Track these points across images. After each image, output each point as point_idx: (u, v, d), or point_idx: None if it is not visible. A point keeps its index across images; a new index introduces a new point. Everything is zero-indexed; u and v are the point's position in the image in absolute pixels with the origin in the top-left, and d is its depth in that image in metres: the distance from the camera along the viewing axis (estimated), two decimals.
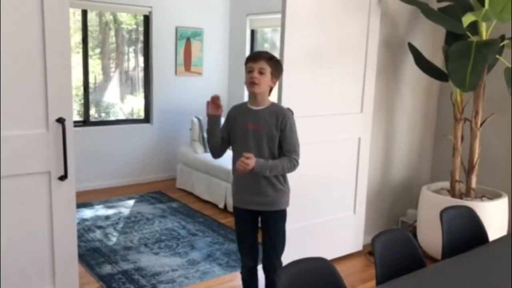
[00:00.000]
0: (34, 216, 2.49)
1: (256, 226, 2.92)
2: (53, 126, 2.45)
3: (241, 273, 3.00)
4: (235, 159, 2.75)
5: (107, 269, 3.85)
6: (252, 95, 2.73)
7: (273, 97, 2.84)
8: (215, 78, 6.63)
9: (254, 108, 2.74)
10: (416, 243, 2.20)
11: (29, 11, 2.30)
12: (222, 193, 5.37)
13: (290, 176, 2.85)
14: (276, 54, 2.87)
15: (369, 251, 4.16)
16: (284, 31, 3.27)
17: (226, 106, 6.78)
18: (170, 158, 6.43)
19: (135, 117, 6.40)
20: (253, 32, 6.37)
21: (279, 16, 5.83)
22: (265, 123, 2.70)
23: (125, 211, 5.23)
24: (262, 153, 2.69)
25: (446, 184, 4.13)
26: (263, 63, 2.65)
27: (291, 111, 2.89)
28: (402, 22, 4.16)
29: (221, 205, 5.38)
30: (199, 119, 5.93)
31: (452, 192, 3.91)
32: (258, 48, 6.46)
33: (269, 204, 2.79)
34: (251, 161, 2.58)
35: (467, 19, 3.21)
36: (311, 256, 1.81)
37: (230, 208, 5.27)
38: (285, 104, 3.36)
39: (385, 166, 4.37)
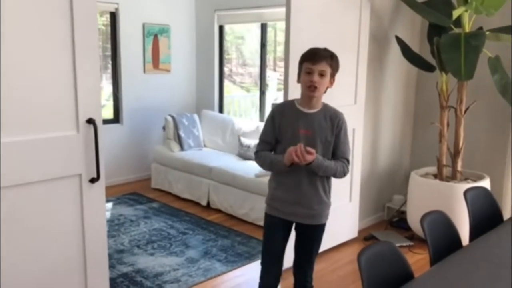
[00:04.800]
0: (65, 220, 2.39)
1: (288, 237, 2.68)
2: (83, 127, 2.36)
3: None
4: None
5: None
6: (307, 98, 2.49)
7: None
8: (184, 75, 6.56)
9: (307, 111, 2.49)
10: (454, 225, 2.33)
11: (58, 14, 2.23)
12: (204, 190, 5.34)
13: None
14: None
15: (364, 237, 4.33)
16: (290, 27, 3.31)
17: (194, 103, 6.76)
18: (142, 158, 6.30)
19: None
20: (221, 28, 6.34)
21: (247, 11, 5.98)
22: (319, 128, 2.46)
23: (106, 214, 5.05)
24: None
25: (430, 169, 4.37)
26: (324, 64, 2.41)
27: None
28: (386, 16, 4.34)
29: (203, 203, 5.35)
30: (173, 117, 5.85)
31: (439, 176, 4.14)
32: (227, 44, 6.45)
33: (313, 218, 2.56)
34: (311, 157, 2.33)
35: (458, 12, 3.42)
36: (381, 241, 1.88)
37: (213, 205, 5.26)
38: (290, 97, 3.43)
39: (373, 155, 4.55)
